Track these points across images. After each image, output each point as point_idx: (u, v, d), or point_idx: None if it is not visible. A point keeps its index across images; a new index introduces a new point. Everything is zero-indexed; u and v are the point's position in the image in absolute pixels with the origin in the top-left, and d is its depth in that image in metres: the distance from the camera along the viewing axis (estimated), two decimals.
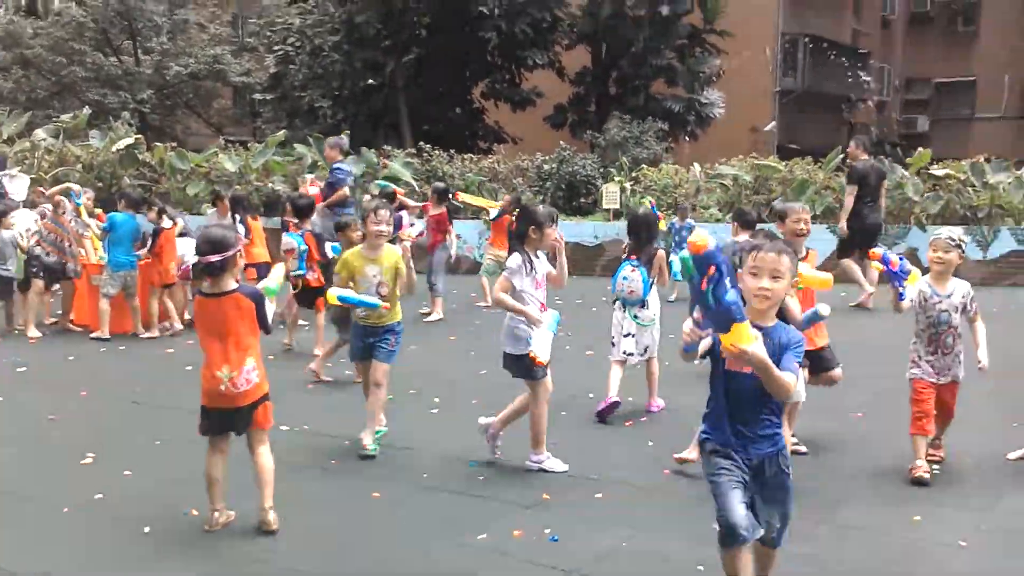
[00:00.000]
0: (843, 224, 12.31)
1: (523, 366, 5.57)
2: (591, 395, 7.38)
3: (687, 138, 26.86)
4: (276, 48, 27.92)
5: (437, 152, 19.66)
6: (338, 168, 12.43)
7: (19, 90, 29.66)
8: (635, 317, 6.97)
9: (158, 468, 5.83)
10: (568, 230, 16.87)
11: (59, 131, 20.39)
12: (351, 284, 6.10)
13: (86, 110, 22.54)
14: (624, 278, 6.94)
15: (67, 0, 31.61)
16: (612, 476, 5.58)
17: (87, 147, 19.49)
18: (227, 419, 4.73)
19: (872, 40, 37.38)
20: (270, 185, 18.46)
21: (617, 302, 7.08)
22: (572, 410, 7.10)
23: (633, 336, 6.97)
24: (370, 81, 25.68)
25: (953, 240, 5.56)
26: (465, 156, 20.25)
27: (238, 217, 11.68)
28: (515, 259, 5.65)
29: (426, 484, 5.47)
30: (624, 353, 7.00)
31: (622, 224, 16.46)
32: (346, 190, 12.27)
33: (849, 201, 12.26)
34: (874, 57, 37.25)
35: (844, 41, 34.88)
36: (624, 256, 7.16)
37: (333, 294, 6.07)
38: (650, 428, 6.70)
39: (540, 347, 5.44)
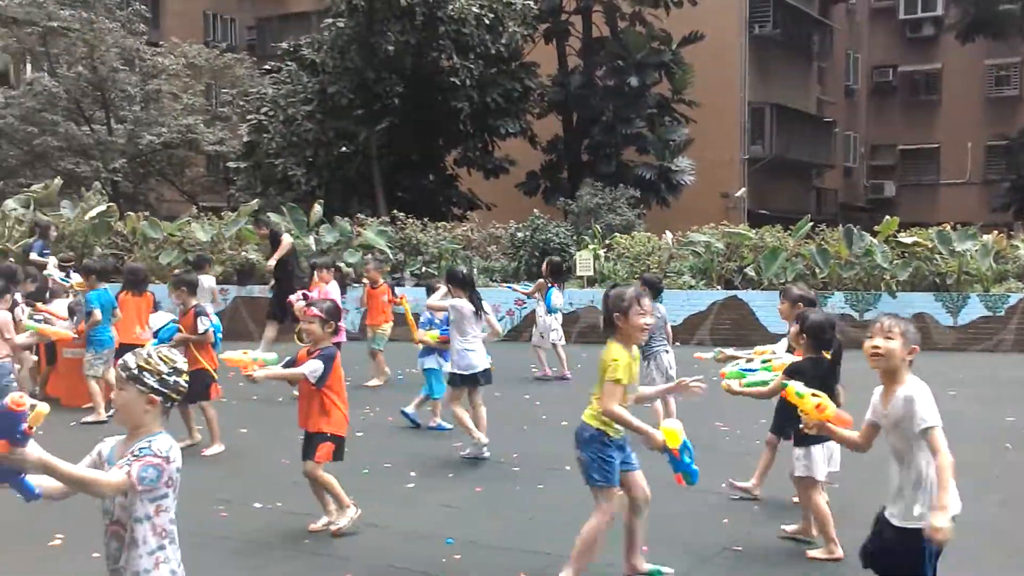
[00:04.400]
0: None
1: None
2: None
3: (659, 204, 27.13)
4: (249, 117, 28.08)
5: (411, 220, 19.70)
6: None
7: None
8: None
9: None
10: None
11: (30, 201, 20.25)
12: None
13: (57, 180, 22.42)
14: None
15: (39, 70, 31.68)
16: None
17: (58, 216, 19.35)
18: None
19: (837, 109, 38.24)
20: (243, 254, 18.39)
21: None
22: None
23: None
24: (343, 149, 25.85)
25: None
26: (439, 224, 20.30)
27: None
28: None
29: (394, 564, 5.32)
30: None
31: (596, 291, 16.52)
32: None
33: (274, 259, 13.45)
34: (839, 125, 38.07)
35: (809, 110, 35.64)
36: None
37: None
38: None
39: None
